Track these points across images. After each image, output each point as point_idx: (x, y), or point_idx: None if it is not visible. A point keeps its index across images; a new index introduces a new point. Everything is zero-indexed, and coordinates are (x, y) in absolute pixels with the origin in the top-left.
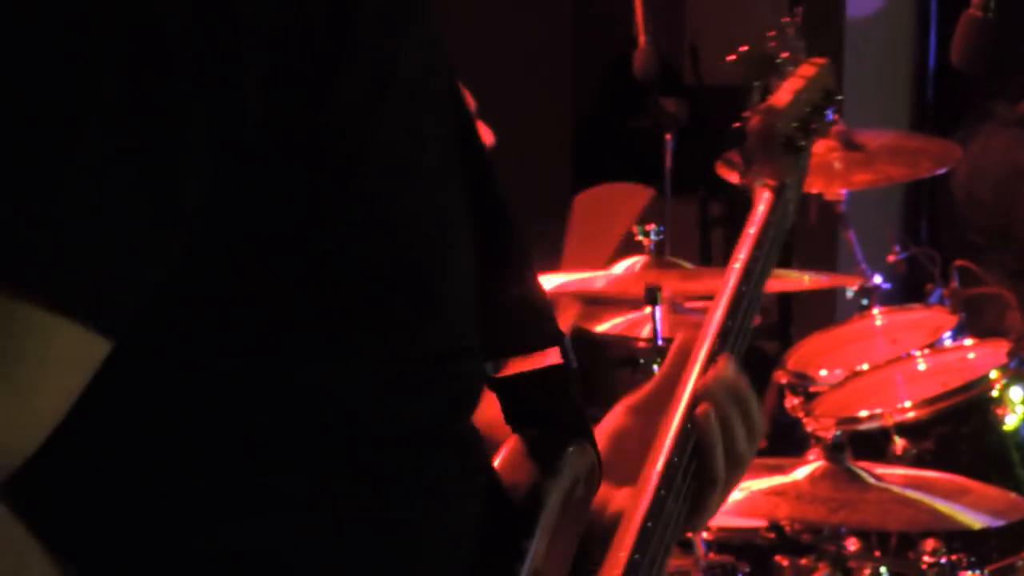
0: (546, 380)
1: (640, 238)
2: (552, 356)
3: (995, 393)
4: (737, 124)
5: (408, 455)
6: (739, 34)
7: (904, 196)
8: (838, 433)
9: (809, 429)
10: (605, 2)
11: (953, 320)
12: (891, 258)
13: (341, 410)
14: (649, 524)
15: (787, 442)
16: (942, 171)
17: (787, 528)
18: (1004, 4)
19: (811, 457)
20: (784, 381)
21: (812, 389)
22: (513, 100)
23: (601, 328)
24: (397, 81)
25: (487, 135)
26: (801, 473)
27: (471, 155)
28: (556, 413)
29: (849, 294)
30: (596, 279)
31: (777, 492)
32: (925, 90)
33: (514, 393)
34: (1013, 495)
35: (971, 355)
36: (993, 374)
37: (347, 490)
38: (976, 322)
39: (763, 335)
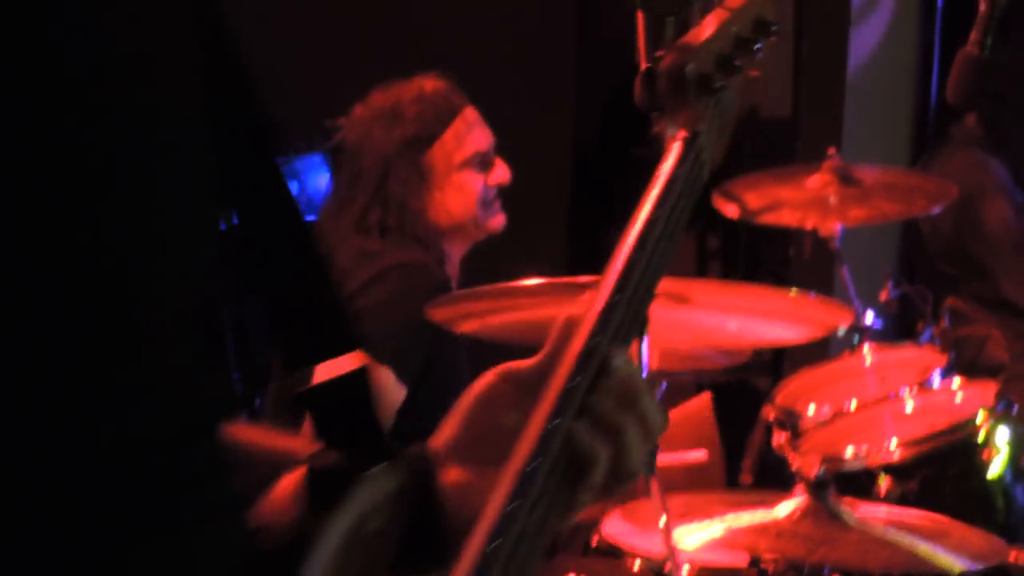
0: (346, 391)
1: None
2: (351, 362)
3: (981, 436)
4: (647, 66)
5: (144, 489)
6: None
7: (901, 233)
8: (822, 471)
9: (794, 466)
10: (611, 27)
11: (942, 359)
12: (883, 295)
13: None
14: (508, 516)
15: (774, 478)
16: (937, 209)
17: (770, 567)
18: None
19: (795, 494)
20: (772, 417)
21: (800, 425)
22: (514, 125)
23: None
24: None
25: (503, 172)
26: (784, 510)
27: (248, 166)
28: (357, 430)
29: (841, 332)
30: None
31: (758, 529)
32: (926, 127)
33: (317, 407)
34: (994, 538)
35: (958, 396)
36: (979, 417)
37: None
38: (965, 361)
39: (755, 371)
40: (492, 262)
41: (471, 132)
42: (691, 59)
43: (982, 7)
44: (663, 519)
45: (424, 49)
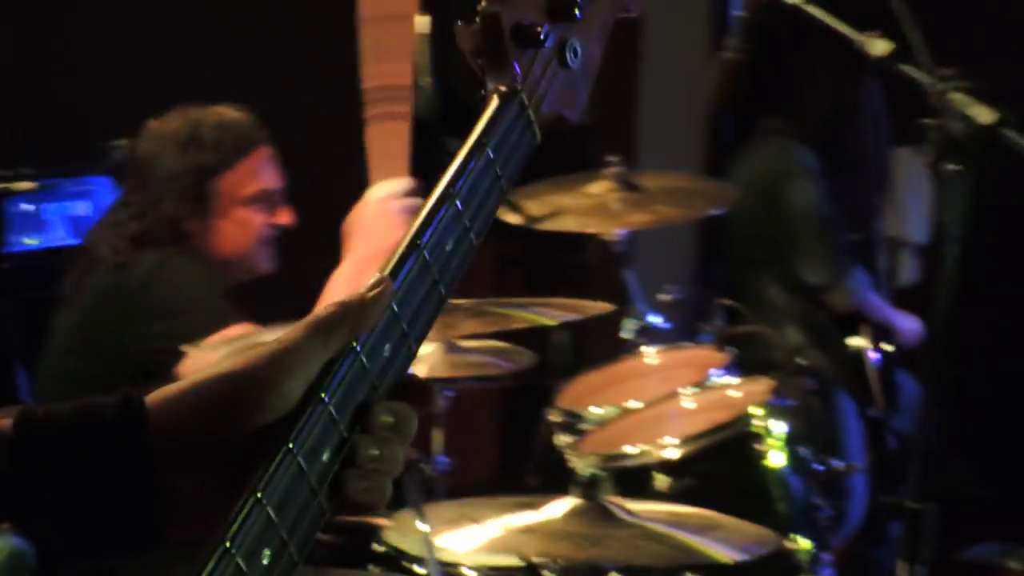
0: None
1: None
2: None
3: (755, 429)
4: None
5: None
6: None
7: (695, 236)
8: (595, 469)
9: (570, 466)
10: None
11: (723, 358)
12: (661, 297)
13: None
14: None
15: (557, 480)
16: (718, 211)
17: (540, 567)
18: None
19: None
20: (555, 419)
21: (581, 426)
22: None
23: None
24: None
25: (287, 216)
26: (557, 510)
27: None
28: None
29: (628, 334)
30: None
31: (529, 529)
32: (720, 132)
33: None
34: (763, 529)
35: (734, 392)
36: (753, 410)
37: None
38: (746, 359)
39: (550, 374)
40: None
41: (262, 169)
42: (508, 5)
43: (741, 13)
44: (422, 523)
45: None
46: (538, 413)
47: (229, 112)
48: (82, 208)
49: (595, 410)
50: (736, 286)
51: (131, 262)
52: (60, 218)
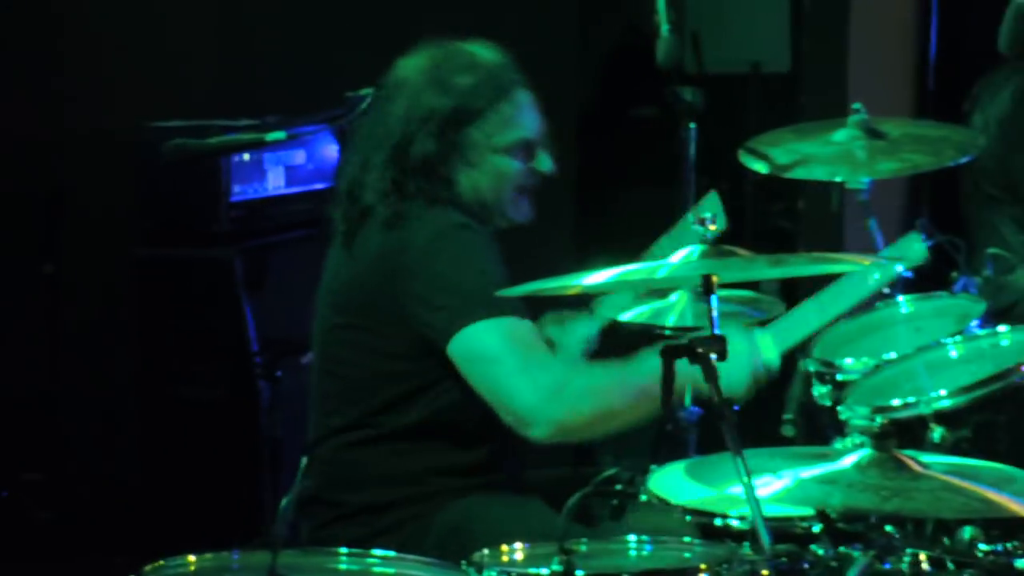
0: None
1: (696, 226)
2: None
3: None
4: None
5: None
6: (738, 21)
7: (930, 185)
8: (883, 421)
9: (844, 417)
10: None
11: (981, 308)
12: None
13: None
14: None
15: (813, 430)
16: (966, 159)
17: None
18: None
19: (852, 445)
20: (812, 369)
21: (839, 377)
22: None
23: (625, 317)
24: None
25: (547, 163)
26: (848, 462)
27: None
28: None
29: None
30: (655, 269)
31: (827, 480)
32: (927, 80)
33: None
34: None
35: (1004, 342)
36: None
37: None
38: (1001, 308)
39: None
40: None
41: (519, 116)
42: None
43: None
44: (743, 471)
45: (421, 15)
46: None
47: (482, 52)
48: (299, 157)
49: (851, 361)
50: (969, 223)
51: (404, 217)
52: (276, 167)
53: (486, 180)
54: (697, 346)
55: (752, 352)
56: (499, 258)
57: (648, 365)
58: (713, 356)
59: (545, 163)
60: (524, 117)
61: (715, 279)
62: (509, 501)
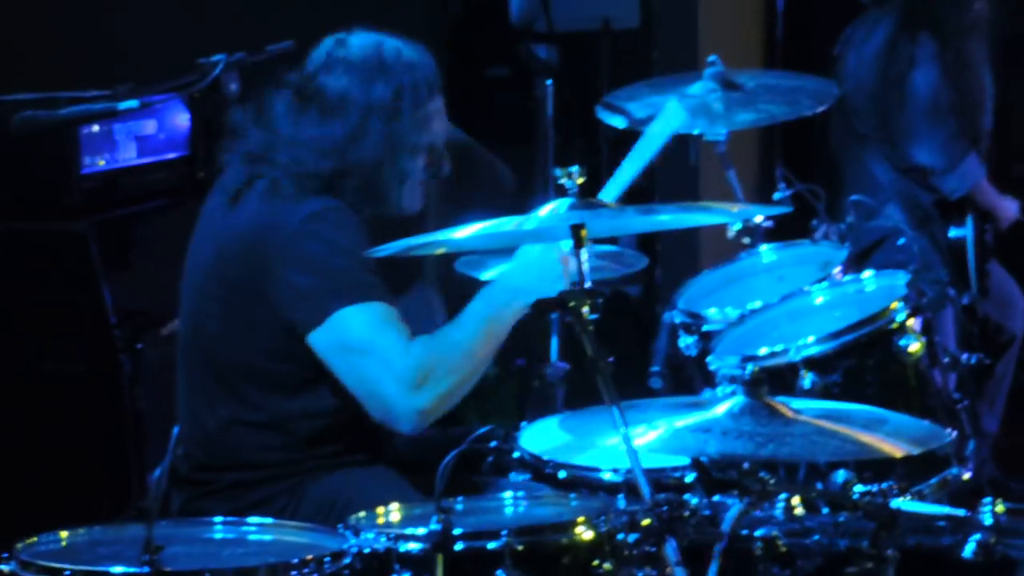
0: None
1: (563, 181)
2: None
3: (895, 324)
4: None
5: None
6: None
7: (783, 135)
8: (754, 369)
9: (712, 368)
10: None
11: (842, 254)
12: (775, 196)
13: None
14: None
15: (680, 381)
16: (822, 108)
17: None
18: None
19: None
20: (677, 321)
21: (705, 328)
22: None
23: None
24: None
25: (446, 166)
26: (720, 410)
27: None
28: None
29: (731, 235)
30: (524, 222)
31: (703, 429)
32: (775, 30)
33: None
34: (929, 423)
35: (868, 287)
36: (894, 304)
37: None
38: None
39: (627, 280)
40: None
41: (433, 121)
42: None
43: None
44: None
45: None
46: (628, 318)
47: (416, 52)
48: (150, 127)
49: (715, 311)
50: (837, 157)
51: (284, 193)
52: (128, 138)
53: (391, 174)
54: (568, 299)
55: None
56: (367, 242)
57: (475, 317)
58: (585, 309)
59: (445, 168)
60: (437, 123)
61: (584, 232)
62: (380, 472)
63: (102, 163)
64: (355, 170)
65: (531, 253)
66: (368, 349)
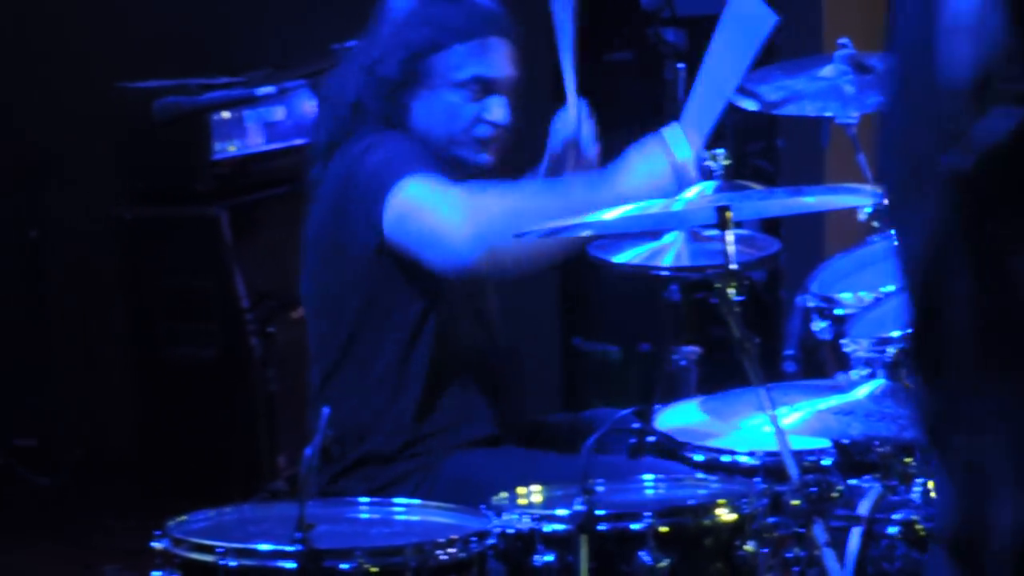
0: None
1: (708, 163)
2: None
3: None
4: None
5: None
6: None
7: None
8: (894, 351)
9: (848, 351)
10: None
11: None
12: None
13: None
14: None
15: (812, 364)
16: None
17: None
18: None
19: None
20: (810, 305)
21: (838, 312)
22: None
23: (619, 259)
24: None
25: (499, 112)
26: (861, 392)
27: None
28: None
29: (861, 218)
30: (670, 203)
31: (845, 411)
32: None
33: None
34: None
35: None
36: None
37: None
38: None
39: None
40: None
41: (483, 56)
42: None
43: None
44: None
45: None
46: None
47: None
48: (279, 113)
49: (849, 295)
50: None
51: (350, 135)
52: (257, 124)
53: (436, 112)
54: (715, 281)
55: (660, 155)
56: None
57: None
58: (731, 291)
59: (497, 112)
60: (488, 58)
61: (729, 214)
62: (511, 452)
63: (233, 149)
64: (383, 88)
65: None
66: (427, 206)
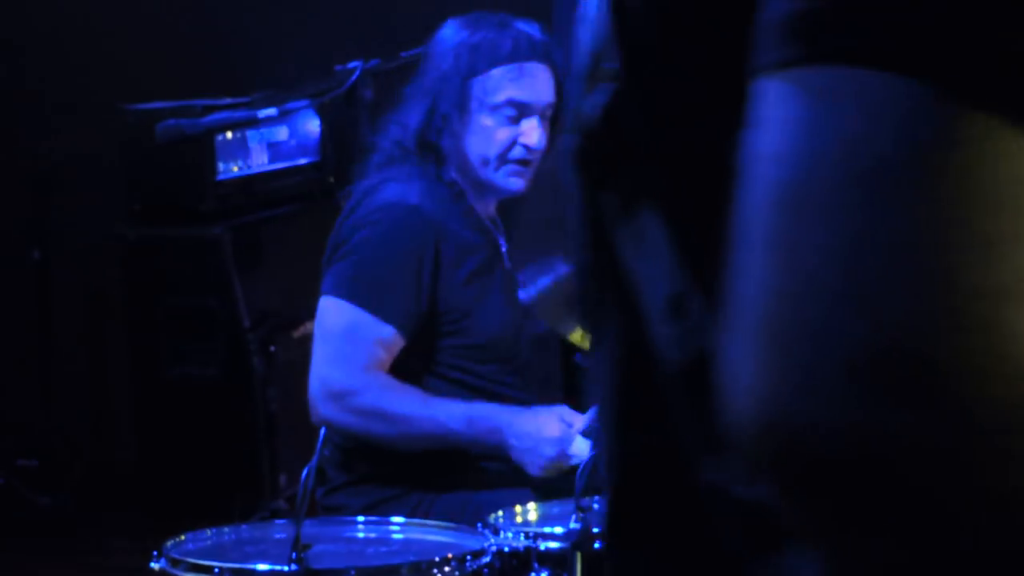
0: None
1: None
2: None
3: None
4: None
5: None
6: None
7: None
8: None
9: None
10: None
11: None
12: None
13: None
14: None
15: None
16: None
17: None
18: None
19: None
20: None
21: None
22: None
23: None
24: None
25: (531, 135)
26: None
27: None
28: None
29: None
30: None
31: None
32: None
33: None
34: None
35: None
36: None
37: None
38: None
39: None
40: None
41: (520, 80)
42: None
43: None
44: None
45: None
46: None
47: (516, 20)
48: (282, 134)
49: None
50: None
51: (381, 168)
52: (261, 144)
53: (473, 135)
54: None
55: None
56: (424, 256)
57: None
58: None
59: (532, 135)
60: (525, 82)
61: None
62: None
63: (236, 169)
64: (439, 121)
65: (536, 431)
66: (326, 339)
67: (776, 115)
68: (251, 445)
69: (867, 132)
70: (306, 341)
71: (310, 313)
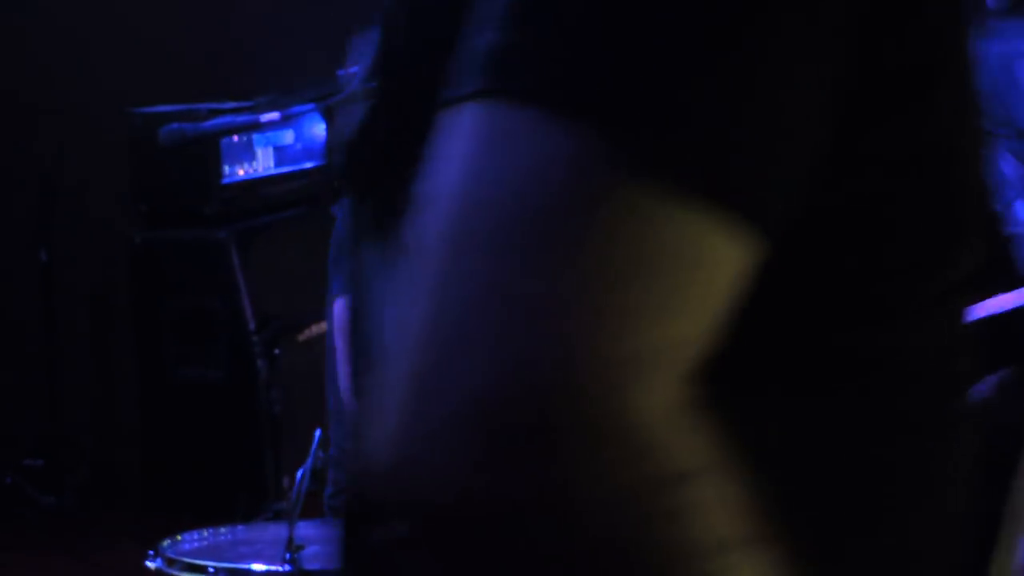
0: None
1: None
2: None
3: None
4: None
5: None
6: None
7: None
8: None
9: None
10: None
11: None
12: None
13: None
14: None
15: None
16: None
17: None
18: None
19: None
20: None
21: None
22: None
23: None
24: None
25: None
26: None
27: None
28: None
29: None
30: None
31: None
32: None
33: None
34: None
35: None
36: None
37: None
38: None
39: None
40: None
41: None
42: None
43: None
44: None
45: None
46: None
47: None
48: (288, 137)
49: None
50: None
51: None
52: (266, 148)
53: None
54: None
55: None
56: None
57: None
58: None
59: None
60: None
61: None
62: None
63: (242, 172)
64: None
65: None
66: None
67: (449, 151)
68: (255, 447)
69: (527, 183)
70: (310, 344)
71: (315, 316)
